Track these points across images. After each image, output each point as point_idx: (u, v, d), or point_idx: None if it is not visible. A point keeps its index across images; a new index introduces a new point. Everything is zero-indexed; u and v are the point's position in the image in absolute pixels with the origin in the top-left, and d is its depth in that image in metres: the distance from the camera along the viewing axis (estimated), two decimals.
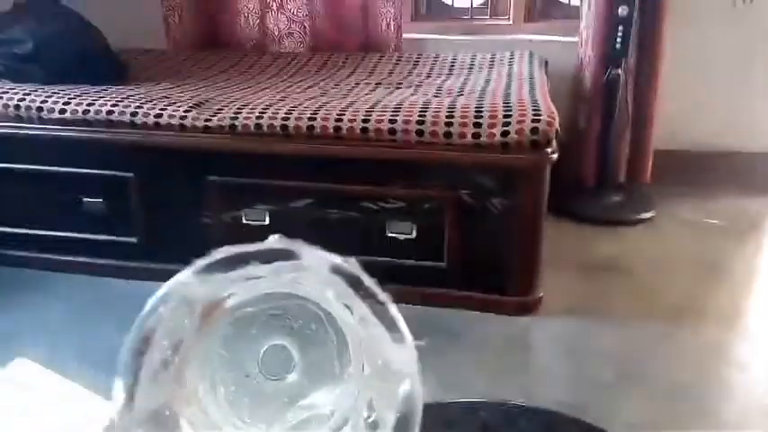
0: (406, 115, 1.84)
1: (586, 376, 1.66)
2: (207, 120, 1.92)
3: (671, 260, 2.21)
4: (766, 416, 1.56)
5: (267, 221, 1.98)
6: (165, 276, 0.48)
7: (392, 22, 2.68)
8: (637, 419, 1.51)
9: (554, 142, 1.81)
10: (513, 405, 0.72)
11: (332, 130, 1.85)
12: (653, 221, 2.47)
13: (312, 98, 2.06)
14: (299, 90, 2.18)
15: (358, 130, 1.84)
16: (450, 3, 2.95)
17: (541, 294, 1.92)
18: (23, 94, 2.04)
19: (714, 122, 2.67)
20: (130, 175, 2.01)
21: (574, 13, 2.64)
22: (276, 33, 2.75)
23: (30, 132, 2.03)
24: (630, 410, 1.54)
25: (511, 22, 2.82)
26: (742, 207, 2.57)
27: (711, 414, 1.57)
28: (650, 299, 1.99)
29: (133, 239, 2.08)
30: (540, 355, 1.82)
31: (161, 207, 2.05)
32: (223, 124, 1.91)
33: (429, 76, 2.32)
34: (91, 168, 2.04)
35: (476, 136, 1.79)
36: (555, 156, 1.81)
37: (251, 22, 2.77)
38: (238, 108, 1.95)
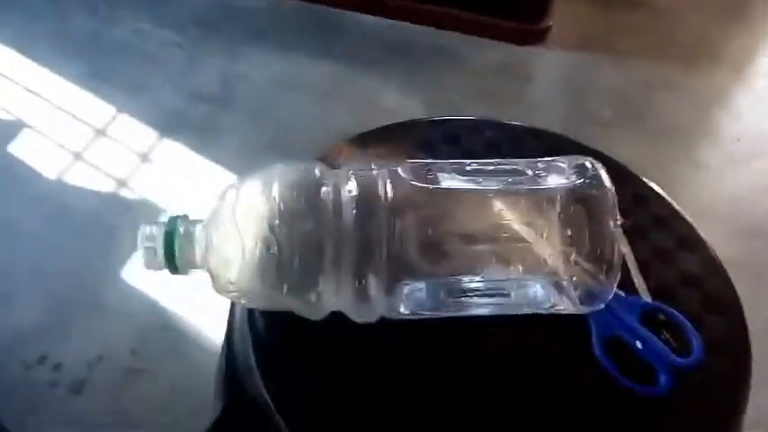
0: None
1: (583, 111, 1.63)
2: None
3: None
4: (747, 162, 1.57)
5: None
6: None
7: None
8: (621, 158, 1.52)
9: None
10: (518, 125, 0.67)
11: None
12: None
13: None
14: None
15: None
16: None
17: (551, 23, 1.78)
18: None
19: None
20: None
21: None
22: None
23: None
24: (618, 149, 1.53)
25: None
26: None
27: (695, 159, 1.58)
28: (667, 37, 1.86)
29: None
30: (541, 86, 1.75)
31: None
32: None
33: None
34: None
35: None
36: None
37: None
38: None
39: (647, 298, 0.52)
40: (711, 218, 1.44)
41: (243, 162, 1.44)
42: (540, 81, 1.75)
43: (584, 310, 0.48)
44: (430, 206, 0.45)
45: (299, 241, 0.41)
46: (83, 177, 1.40)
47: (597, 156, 0.64)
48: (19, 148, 1.44)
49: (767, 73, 1.82)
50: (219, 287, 0.44)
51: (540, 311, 0.48)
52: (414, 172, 0.45)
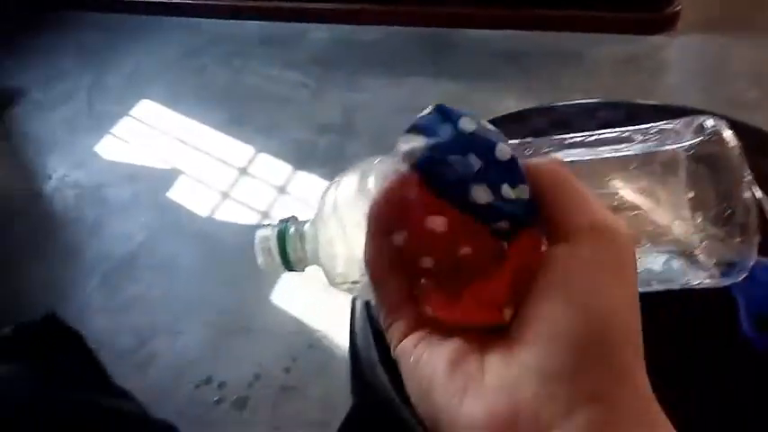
0: None
1: (725, 98, 1.49)
2: None
3: None
4: None
5: None
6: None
7: None
8: None
9: None
10: (637, 103, 0.63)
11: None
12: None
13: None
14: None
15: None
16: None
17: (679, 7, 1.67)
18: None
19: None
20: None
21: None
22: None
23: None
24: None
25: None
26: None
27: None
28: None
29: None
30: (673, 76, 1.64)
31: None
32: None
33: None
34: None
35: None
36: None
37: None
38: None
39: None
40: None
41: None
42: (673, 70, 1.63)
43: (722, 282, 0.43)
44: None
45: None
46: (230, 213, 1.52)
47: (734, 124, 0.59)
48: (176, 192, 1.59)
49: None
50: (331, 280, 0.45)
51: (671, 287, 0.43)
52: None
